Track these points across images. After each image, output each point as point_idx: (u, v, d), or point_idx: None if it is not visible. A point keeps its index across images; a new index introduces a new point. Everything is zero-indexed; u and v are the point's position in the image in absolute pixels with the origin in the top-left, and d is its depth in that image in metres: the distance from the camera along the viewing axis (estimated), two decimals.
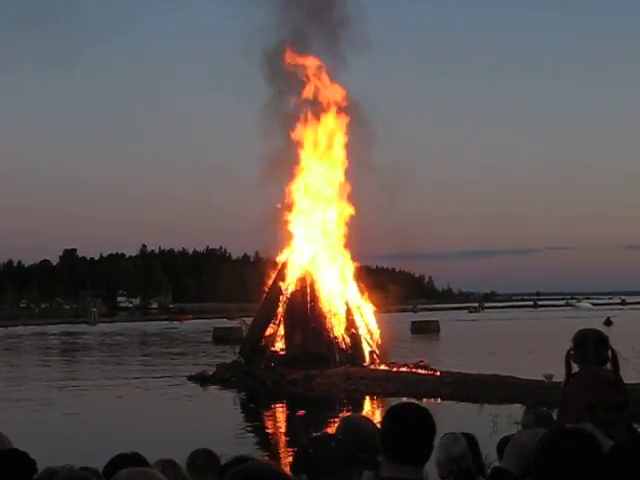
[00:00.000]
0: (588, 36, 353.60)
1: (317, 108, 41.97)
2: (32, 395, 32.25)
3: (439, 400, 29.08)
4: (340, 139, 41.77)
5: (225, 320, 77.91)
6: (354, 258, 41.26)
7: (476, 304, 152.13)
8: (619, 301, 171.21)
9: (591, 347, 4.44)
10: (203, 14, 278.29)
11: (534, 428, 3.87)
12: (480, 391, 29.37)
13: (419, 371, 34.76)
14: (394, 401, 23.03)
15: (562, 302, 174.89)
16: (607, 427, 3.64)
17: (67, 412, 27.87)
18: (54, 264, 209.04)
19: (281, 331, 38.61)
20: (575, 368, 4.55)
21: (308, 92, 42.00)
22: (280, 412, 30.23)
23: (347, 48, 41.57)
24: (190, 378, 36.94)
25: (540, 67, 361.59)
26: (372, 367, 36.54)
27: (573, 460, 2.63)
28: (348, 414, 23.55)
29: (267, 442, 23.31)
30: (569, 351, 4.53)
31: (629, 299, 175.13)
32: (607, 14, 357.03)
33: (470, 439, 5.71)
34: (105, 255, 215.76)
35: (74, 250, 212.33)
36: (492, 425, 20.20)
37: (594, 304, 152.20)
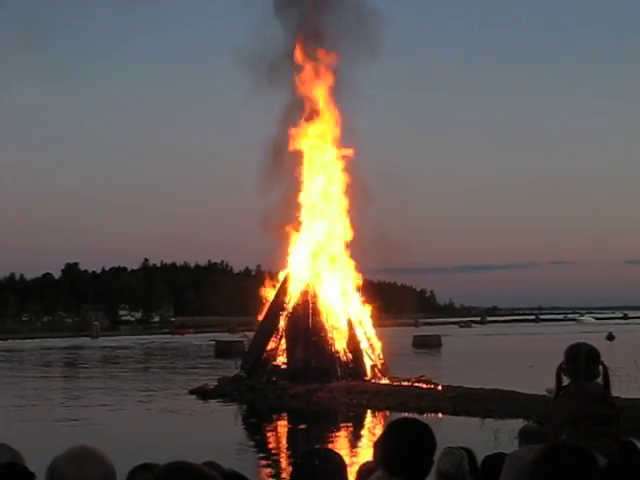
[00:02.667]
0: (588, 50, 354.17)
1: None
2: (34, 409, 32.18)
3: (440, 415, 29.01)
4: (339, 156, 42.05)
5: (227, 334, 77.78)
6: (356, 272, 41.25)
7: (476, 318, 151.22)
8: (621, 316, 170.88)
9: (582, 362, 4.44)
10: (199, 32, 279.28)
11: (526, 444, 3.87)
12: (481, 406, 29.29)
13: (421, 385, 34.68)
14: (395, 415, 22.98)
15: (562, 317, 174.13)
16: (592, 440, 3.66)
17: (69, 425, 27.80)
18: (56, 277, 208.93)
19: (283, 345, 38.58)
20: (566, 382, 4.55)
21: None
22: (281, 426, 30.16)
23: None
24: (191, 392, 36.86)
25: (539, 80, 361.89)
26: (374, 381, 36.49)
27: (569, 475, 2.64)
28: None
29: (268, 456, 23.26)
30: (561, 365, 4.54)
31: (631, 314, 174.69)
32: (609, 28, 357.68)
33: (467, 454, 5.60)
34: (107, 269, 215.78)
35: (76, 264, 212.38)
36: (493, 440, 20.17)
37: (597, 319, 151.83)
